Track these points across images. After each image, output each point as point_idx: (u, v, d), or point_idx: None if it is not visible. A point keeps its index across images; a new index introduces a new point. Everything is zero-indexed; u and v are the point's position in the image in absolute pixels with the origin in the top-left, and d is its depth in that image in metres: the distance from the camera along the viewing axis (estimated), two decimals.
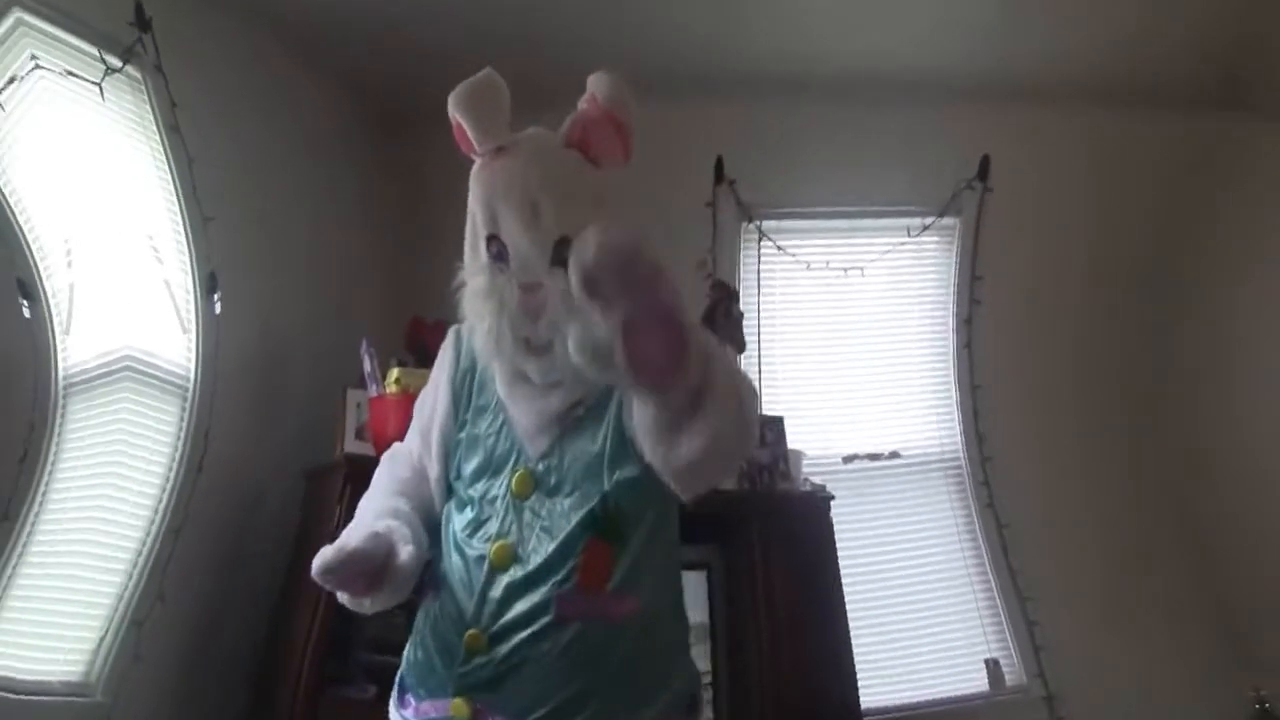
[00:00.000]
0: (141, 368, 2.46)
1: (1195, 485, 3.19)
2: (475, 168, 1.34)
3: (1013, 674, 3.12)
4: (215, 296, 2.62)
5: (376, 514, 1.34)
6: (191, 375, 2.59)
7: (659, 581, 1.33)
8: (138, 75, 2.49)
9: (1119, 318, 3.35)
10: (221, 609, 2.66)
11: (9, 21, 2.17)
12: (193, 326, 2.61)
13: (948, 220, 3.43)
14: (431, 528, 1.38)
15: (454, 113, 1.29)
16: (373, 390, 2.61)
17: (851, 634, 2.71)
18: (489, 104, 1.30)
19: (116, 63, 2.40)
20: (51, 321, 2.21)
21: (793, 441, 2.94)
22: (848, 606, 2.74)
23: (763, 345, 3.28)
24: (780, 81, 3.33)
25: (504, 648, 1.22)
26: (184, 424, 2.55)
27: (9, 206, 2.14)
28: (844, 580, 2.78)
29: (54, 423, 2.19)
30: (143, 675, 2.36)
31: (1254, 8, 2.83)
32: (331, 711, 2.38)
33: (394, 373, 2.59)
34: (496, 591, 1.25)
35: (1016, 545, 3.18)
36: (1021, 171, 3.39)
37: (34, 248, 2.19)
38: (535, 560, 1.25)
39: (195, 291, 2.61)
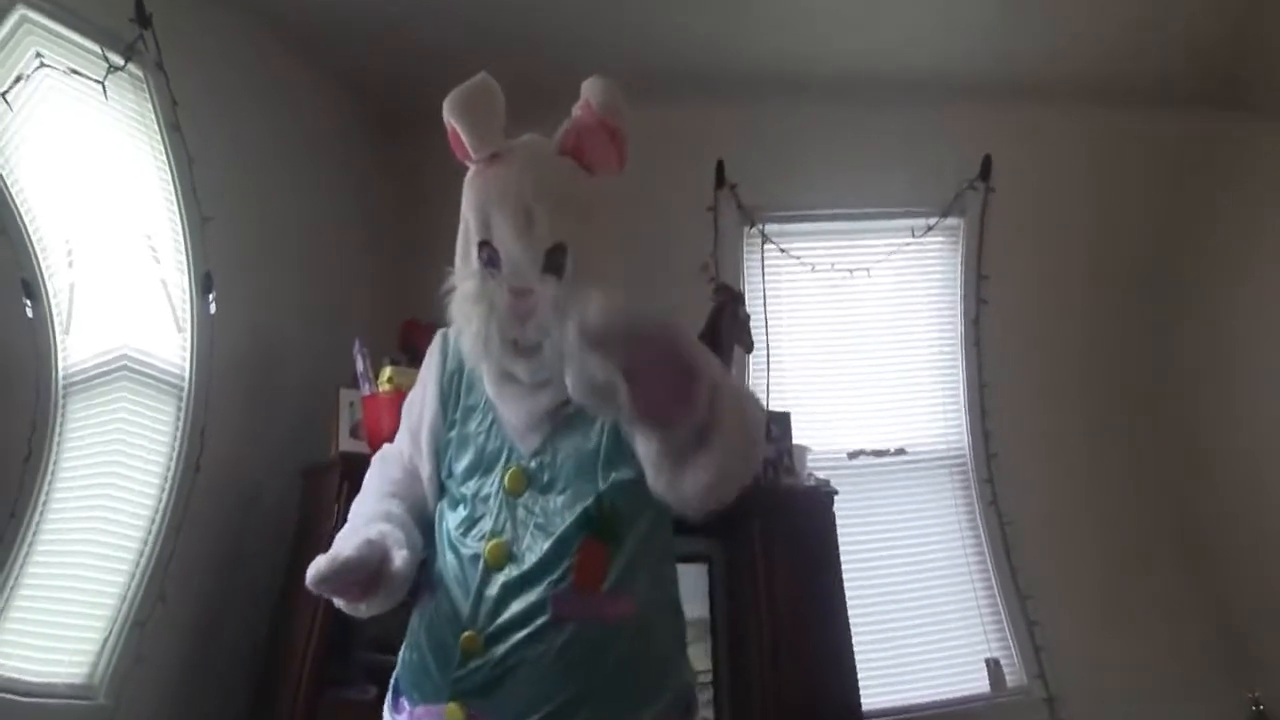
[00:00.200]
0: (138, 367, 2.47)
1: (1195, 485, 3.19)
2: (469, 174, 1.34)
3: (1013, 675, 3.12)
4: (210, 296, 2.63)
5: (369, 518, 1.34)
6: (186, 374, 2.59)
7: (654, 583, 1.33)
8: (139, 74, 2.50)
9: (1119, 317, 3.36)
10: (222, 609, 2.66)
11: (14, 18, 2.18)
12: (188, 326, 2.61)
13: (951, 220, 3.44)
14: (425, 527, 1.38)
15: (449, 118, 1.29)
16: (365, 389, 2.63)
17: (852, 631, 2.71)
18: (484, 109, 1.30)
19: (119, 60, 2.41)
20: (52, 321, 2.21)
21: (799, 438, 2.95)
22: (849, 603, 2.74)
23: (770, 346, 3.29)
24: (780, 82, 3.33)
25: (500, 649, 1.22)
26: (180, 423, 2.56)
27: (15, 206, 2.15)
28: (846, 577, 2.78)
29: (55, 422, 2.20)
30: (144, 677, 2.36)
31: (1254, 8, 2.83)
32: (332, 713, 2.38)
33: (386, 371, 2.62)
34: (492, 590, 1.24)
35: (1018, 544, 3.19)
36: (1022, 171, 3.40)
37: (37, 247, 2.20)
38: (530, 559, 1.25)
39: (191, 291, 2.62)
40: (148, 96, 2.53)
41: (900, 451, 3.33)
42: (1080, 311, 3.37)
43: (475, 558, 1.27)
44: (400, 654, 1.38)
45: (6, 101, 2.13)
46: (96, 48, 2.37)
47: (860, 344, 3.46)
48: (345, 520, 1.38)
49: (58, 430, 2.21)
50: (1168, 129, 3.35)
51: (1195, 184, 3.32)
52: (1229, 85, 3.16)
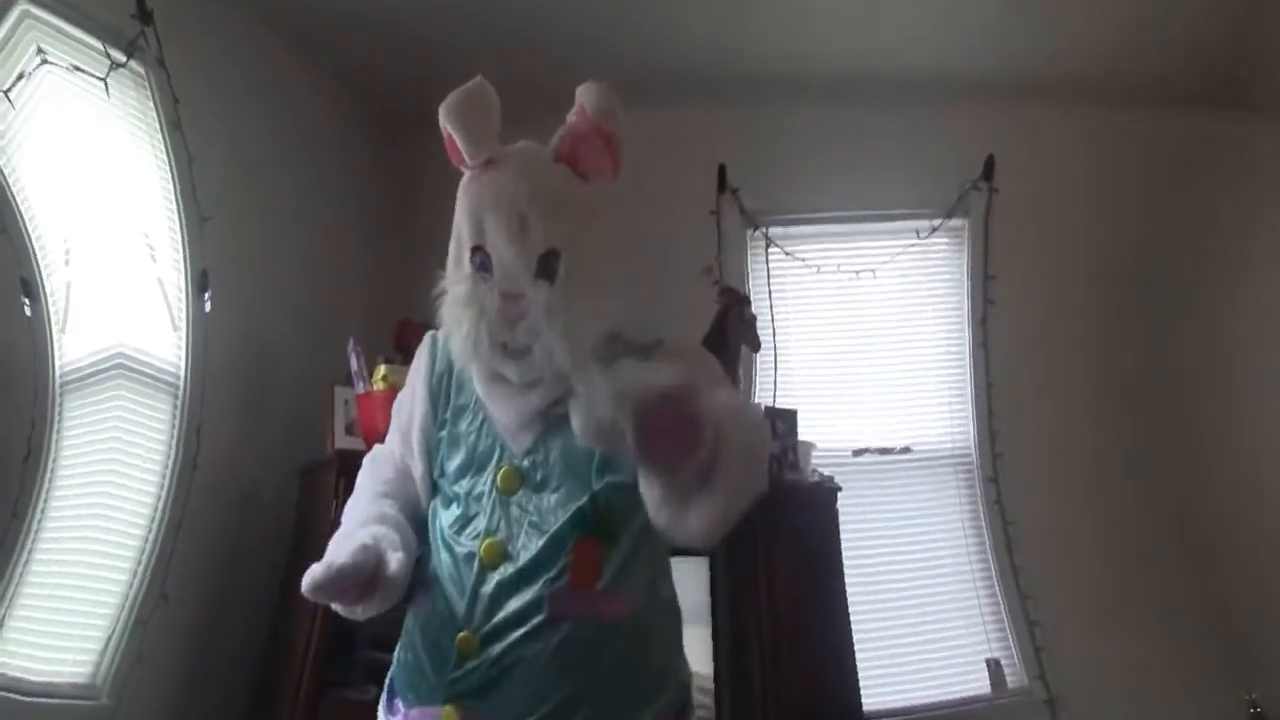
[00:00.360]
0: (133, 365, 2.47)
1: (1195, 486, 3.19)
2: (464, 180, 1.34)
3: (1014, 676, 3.12)
4: (206, 295, 2.63)
5: (363, 520, 1.33)
6: (182, 373, 2.59)
7: (650, 581, 1.32)
8: (141, 71, 2.50)
9: (1120, 317, 3.35)
10: (222, 608, 2.67)
11: (15, 14, 2.17)
12: (183, 324, 2.61)
13: (955, 221, 3.45)
14: (418, 526, 1.38)
15: (444, 123, 1.29)
16: (359, 387, 2.65)
17: (853, 629, 2.71)
18: (480, 115, 1.29)
19: (121, 57, 2.41)
20: (50, 320, 2.21)
21: (805, 435, 2.96)
22: (850, 601, 2.75)
23: (777, 346, 3.31)
24: (780, 84, 3.34)
25: (496, 648, 1.21)
26: (176, 421, 2.56)
27: (16, 205, 2.14)
28: (848, 575, 2.79)
29: (53, 421, 2.20)
30: (146, 676, 2.36)
31: (1254, 8, 2.83)
32: (333, 713, 2.38)
33: (381, 369, 2.64)
34: (488, 588, 1.24)
35: (1020, 544, 3.19)
36: (1023, 171, 3.40)
37: (36, 246, 2.19)
38: (525, 557, 1.24)
39: (186, 289, 2.62)
40: (149, 94, 2.53)
41: (906, 450, 3.34)
42: (1082, 311, 3.37)
43: (470, 556, 1.27)
44: (395, 654, 1.38)
45: (9, 99, 2.13)
46: (98, 44, 2.37)
47: (866, 344, 3.47)
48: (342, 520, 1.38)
49: (56, 428, 2.20)
50: (1168, 129, 3.35)
51: (1195, 184, 3.32)
52: (1229, 85, 3.16)
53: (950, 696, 3.08)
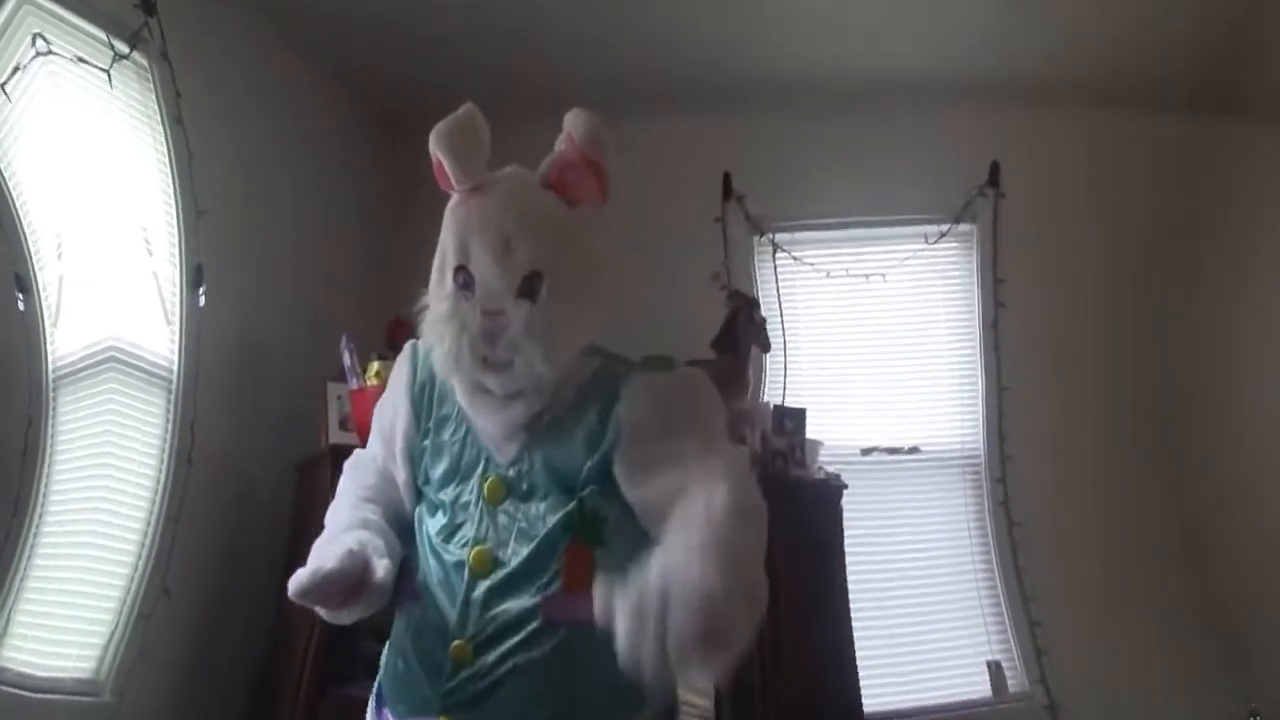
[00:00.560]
0: (126, 359, 2.46)
1: (1197, 490, 3.18)
2: (451, 204, 1.34)
3: (1015, 679, 3.12)
4: (200, 289, 2.63)
5: (347, 525, 1.33)
6: (175, 367, 2.59)
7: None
8: (144, 63, 2.49)
9: (1123, 319, 3.35)
10: (222, 604, 2.67)
11: (11, 2, 2.14)
12: (177, 318, 2.60)
13: (963, 227, 3.45)
14: (401, 531, 1.37)
15: (435, 150, 1.29)
16: (353, 384, 2.67)
17: (854, 628, 2.71)
18: (469, 142, 1.30)
19: (124, 48, 2.39)
20: (43, 314, 2.20)
21: (813, 434, 2.95)
22: (852, 600, 2.75)
23: (787, 349, 3.33)
24: (783, 89, 3.34)
25: (491, 656, 1.21)
26: (170, 416, 2.56)
27: (11, 199, 2.13)
28: (850, 575, 2.79)
29: (48, 415, 2.19)
30: (148, 673, 2.36)
31: (1253, 9, 2.83)
32: (334, 710, 2.38)
33: (374, 365, 2.66)
34: (479, 596, 1.24)
35: (1024, 546, 3.20)
36: (1025, 174, 3.40)
37: (30, 241, 2.18)
38: (516, 562, 1.24)
39: (181, 284, 2.61)
40: (151, 87, 2.52)
41: (914, 450, 3.34)
42: (1086, 314, 3.37)
43: (460, 564, 1.26)
44: (383, 658, 1.37)
45: (5, 94, 2.11)
46: (101, 33, 2.35)
47: (876, 345, 3.48)
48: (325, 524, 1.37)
49: (51, 423, 2.20)
50: (1168, 131, 3.34)
51: (1196, 186, 3.31)
52: (1229, 87, 3.15)
53: (950, 699, 3.07)
